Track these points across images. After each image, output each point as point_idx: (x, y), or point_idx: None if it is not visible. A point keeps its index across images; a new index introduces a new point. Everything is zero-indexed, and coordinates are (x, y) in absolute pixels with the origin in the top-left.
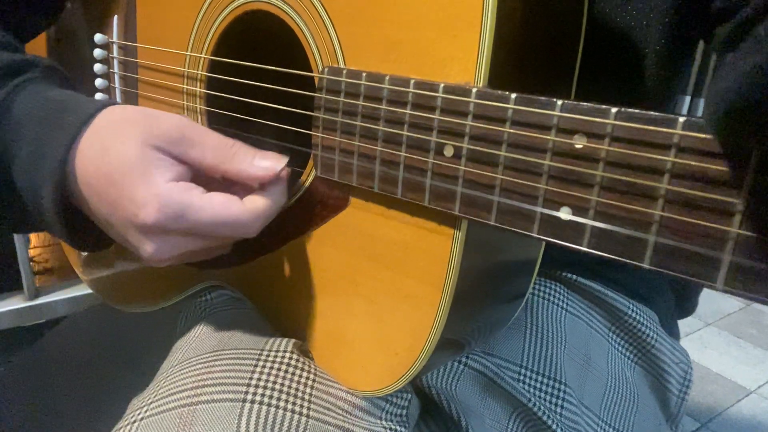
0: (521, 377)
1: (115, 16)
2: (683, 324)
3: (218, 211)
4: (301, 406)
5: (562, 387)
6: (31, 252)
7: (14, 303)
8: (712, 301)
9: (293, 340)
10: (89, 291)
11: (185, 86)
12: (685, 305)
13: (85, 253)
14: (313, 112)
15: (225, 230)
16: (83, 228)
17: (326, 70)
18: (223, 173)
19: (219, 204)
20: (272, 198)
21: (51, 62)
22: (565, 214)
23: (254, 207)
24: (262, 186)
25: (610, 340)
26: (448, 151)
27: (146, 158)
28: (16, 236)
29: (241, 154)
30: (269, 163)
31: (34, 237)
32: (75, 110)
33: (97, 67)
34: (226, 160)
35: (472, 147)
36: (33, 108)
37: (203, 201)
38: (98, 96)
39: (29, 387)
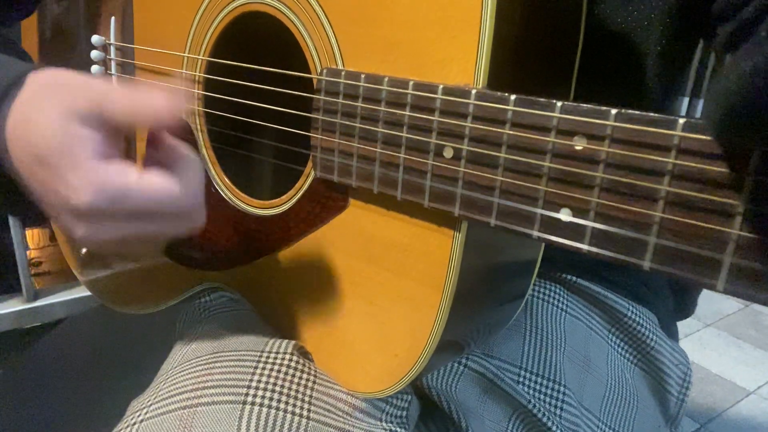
0: (521, 379)
1: (113, 18)
2: (682, 325)
3: (156, 193)
4: (302, 408)
5: (562, 389)
6: (30, 254)
7: (13, 305)
8: (711, 302)
9: (293, 342)
10: (88, 293)
11: (183, 88)
12: (685, 306)
13: (83, 255)
14: (311, 113)
15: (169, 211)
16: (19, 197)
17: (324, 71)
18: (135, 117)
19: (158, 184)
20: (199, 169)
21: None
22: (565, 215)
23: (192, 181)
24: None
25: (609, 341)
26: (448, 153)
27: (68, 133)
28: (14, 238)
29: (145, 93)
30: (168, 96)
31: (33, 238)
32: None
33: (94, 69)
34: (133, 100)
35: (471, 148)
36: None
37: (142, 183)
38: None
39: (28, 389)
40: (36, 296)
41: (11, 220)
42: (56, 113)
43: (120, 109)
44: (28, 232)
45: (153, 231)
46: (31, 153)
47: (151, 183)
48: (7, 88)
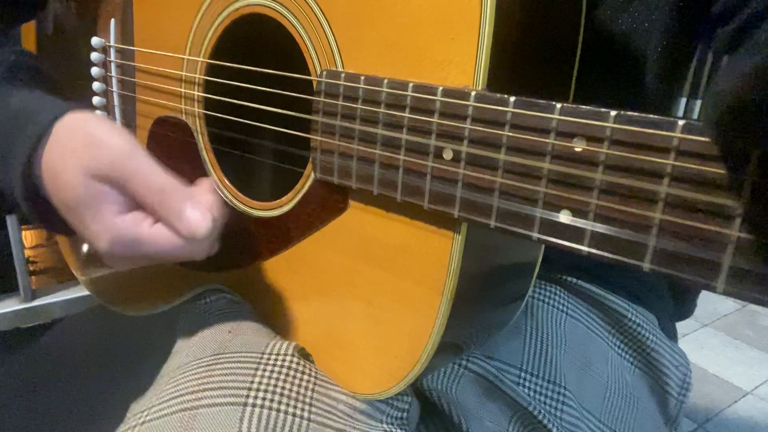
0: (521, 380)
1: (112, 20)
2: (680, 325)
3: (165, 245)
4: (302, 410)
5: (562, 390)
6: (28, 253)
7: (10, 305)
8: (708, 302)
9: (294, 343)
10: (86, 293)
11: (183, 90)
12: (684, 307)
13: (84, 254)
14: (311, 115)
15: (172, 258)
16: (57, 216)
17: (324, 73)
18: (155, 214)
19: (167, 237)
20: (213, 225)
21: (18, 56)
22: (565, 217)
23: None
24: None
25: (609, 343)
26: (447, 155)
27: (91, 191)
28: (12, 237)
29: (173, 205)
30: (196, 220)
31: (30, 237)
32: (33, 121)
33: (95, 71)
34: (160, 204)
35: (471, 150)
36: None
37: (152, 235)
38: (96, 100)
39: (25, 390)
40: (33, 296)
41: (9, 219)
42: (78, 171)
43: (146, 193)
44: (26, 231)
45: (165, 261)
46: (60, 200)
47: (160, 235)
48: (39, 137)
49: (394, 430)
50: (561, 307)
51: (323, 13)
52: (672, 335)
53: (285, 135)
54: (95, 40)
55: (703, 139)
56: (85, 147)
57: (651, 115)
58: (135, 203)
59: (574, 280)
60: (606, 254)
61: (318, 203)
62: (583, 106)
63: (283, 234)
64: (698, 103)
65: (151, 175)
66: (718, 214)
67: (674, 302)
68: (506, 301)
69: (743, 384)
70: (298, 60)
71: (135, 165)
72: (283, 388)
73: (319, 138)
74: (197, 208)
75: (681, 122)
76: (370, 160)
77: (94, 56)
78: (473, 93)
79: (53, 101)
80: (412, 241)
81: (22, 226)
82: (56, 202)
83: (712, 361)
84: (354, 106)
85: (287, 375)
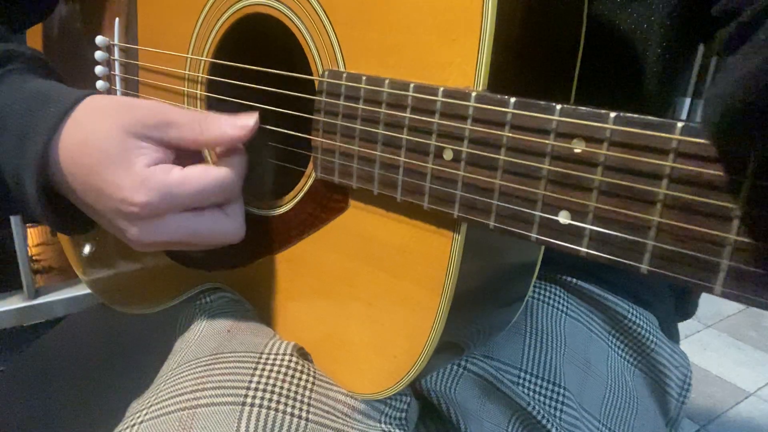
0: (521, 381)
1: (117, 18)
2: (683, 326)
3: (200, 179)
4: (300, 410)
5: (562, 391)
6: (32, 251)
7: (13, 303)
8: (711, 303)
9: (293, 343)
10: (89, 291)
11: (186, 89)
12: (686, 308)
13: (86, 254)
14: (313, 115)
15: (212, 195)
16: (66, 212)
17: (326, 73)
18: (203, 145)
19: (198, 173)
20: (240, 155)
21: (34, 52)
22: (563, 218)
23: (230, 165)
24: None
25: (609, 343)
26: (448, 155)
27: (126, 146)
28: (16, 235)
29: (215, 122)
30: (242, 121)
31: (34, 236)
32: (56, 101)
33: (99, 69)
34: (203, 131)
35: (471, 151)
36: (16, 99)
37: (183, 175)
38: None
39: (28, 388)
40: (36, 294)
41: (12, 217)
42: (113, 128)
43: (187, 136)
44: (30, 230)
45: (200, 232)
46: (86, 165)
47: (191, 172)
48: (60, 119)
49: (392, 430)
50: (561, 307)
51: (326, 14)
52: (673, 336)
53: (286, 134)
54: (99, 39)
55: (701, 141)
56: (122, 107)
57: (650, 117)
58: (166, 157)
59: (574, 280)
60: (604, 255)
61: (318, 203)
62: (583, 107)
63: (284, 233)
64: (702, 103)
65: (189, 112)
66: (717, 216)
67: (675, 303)
68: (506, 303)
69: (746, 385)
70: (300, 60)
71: (175, 111)
72: (281, 387)
73: (320, 138)
74: (237, 116)
75: (680, 124)
76: (371, 159)
77: (98, 55)
78: (474, 94)
79: (72, 89)
80: (411, 242)
81: (27, 225)
82: (81, 176)
83: (716, 362)
84: (355, 105)
85: (286, 375)
